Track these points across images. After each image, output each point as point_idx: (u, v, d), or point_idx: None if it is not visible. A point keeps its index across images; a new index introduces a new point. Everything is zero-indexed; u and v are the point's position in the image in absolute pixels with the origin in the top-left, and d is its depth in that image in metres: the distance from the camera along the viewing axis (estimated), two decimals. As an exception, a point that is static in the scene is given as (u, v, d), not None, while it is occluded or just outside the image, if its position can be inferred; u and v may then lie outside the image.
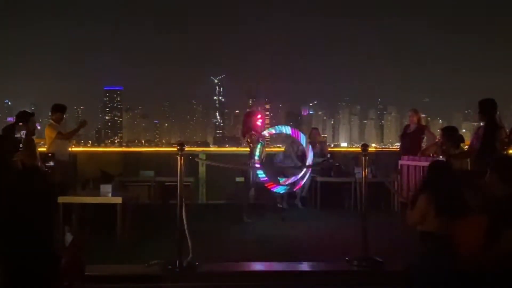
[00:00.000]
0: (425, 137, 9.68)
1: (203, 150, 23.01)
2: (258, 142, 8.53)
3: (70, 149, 9.17)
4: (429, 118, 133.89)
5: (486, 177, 4.51)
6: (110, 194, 6.83)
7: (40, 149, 8.04)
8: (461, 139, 7.54)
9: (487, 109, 6.96)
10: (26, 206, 3.68)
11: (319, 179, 9.91)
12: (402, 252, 5.72)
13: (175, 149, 5.91)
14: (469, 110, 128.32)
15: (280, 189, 9.08)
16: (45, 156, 7.37)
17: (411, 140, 9.40)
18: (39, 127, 8.64)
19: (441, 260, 4.46)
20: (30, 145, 6.25)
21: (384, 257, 5.82)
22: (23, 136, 5.93)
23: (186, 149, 5.96)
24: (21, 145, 5.86)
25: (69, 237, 5.34)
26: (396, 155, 9.34)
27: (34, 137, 7.28)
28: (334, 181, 10.07)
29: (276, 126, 10.31)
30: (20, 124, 6.38)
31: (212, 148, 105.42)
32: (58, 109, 8.60)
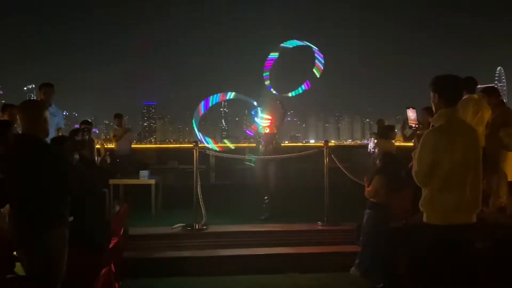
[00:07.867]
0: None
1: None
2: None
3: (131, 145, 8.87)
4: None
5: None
6: (146, 177, 6.73)
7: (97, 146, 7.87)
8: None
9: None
10: (89, 187, 3.61)
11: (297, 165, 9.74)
12: (354, 216, 5.67)
13: (192, 145, 5.87)
14: (399, 116, 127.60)
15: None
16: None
17: None
18: (97, 131, 8.46)
19: (381, 220, 4.58)
20: (89, 145, 6.09)
21: (342, 220, 5.82)
22: (84, 138, 5.81)
23: (200, 145, 5.92)
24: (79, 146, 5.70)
25: (117, 208, 5.29)
26: (348, 148, 9.31)
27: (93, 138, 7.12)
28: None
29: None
30: (84, 129, 6.24)
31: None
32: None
